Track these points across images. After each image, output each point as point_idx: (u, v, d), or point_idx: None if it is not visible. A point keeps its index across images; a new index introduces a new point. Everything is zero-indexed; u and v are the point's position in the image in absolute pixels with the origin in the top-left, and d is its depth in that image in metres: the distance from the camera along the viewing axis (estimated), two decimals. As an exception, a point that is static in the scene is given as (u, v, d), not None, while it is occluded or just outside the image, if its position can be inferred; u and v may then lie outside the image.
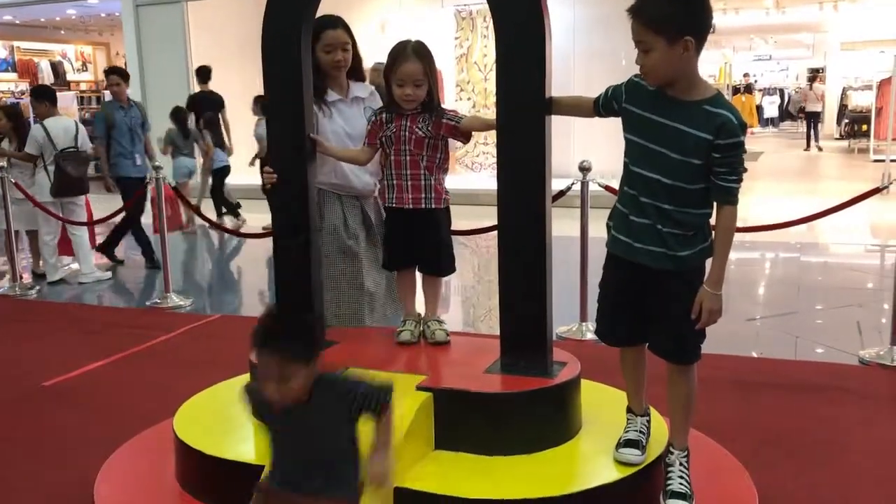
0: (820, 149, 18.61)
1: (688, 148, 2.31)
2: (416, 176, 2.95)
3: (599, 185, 5.20)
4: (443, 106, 3.00)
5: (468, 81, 12.50)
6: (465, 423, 2.61)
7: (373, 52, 13.29)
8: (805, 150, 18.94)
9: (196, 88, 10.59)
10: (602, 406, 2.90)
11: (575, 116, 2.71)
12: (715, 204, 2.40)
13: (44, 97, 7.04)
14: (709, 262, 2.43)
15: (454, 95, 12.50)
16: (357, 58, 3.48)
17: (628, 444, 2.57)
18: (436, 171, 2.97)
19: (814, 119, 19.23)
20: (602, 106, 2.54)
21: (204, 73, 10.30)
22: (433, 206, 2.98)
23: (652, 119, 2.36)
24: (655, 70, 2.30)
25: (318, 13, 3.08)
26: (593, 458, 2.64)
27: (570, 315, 5.23)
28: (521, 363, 2.73)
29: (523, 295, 2.73)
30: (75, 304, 6.39)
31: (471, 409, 2.61)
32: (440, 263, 3.10)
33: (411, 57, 2.87)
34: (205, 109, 9.84)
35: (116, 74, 7.46)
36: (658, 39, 2.23)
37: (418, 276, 3.19)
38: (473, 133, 3.11)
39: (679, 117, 2.32)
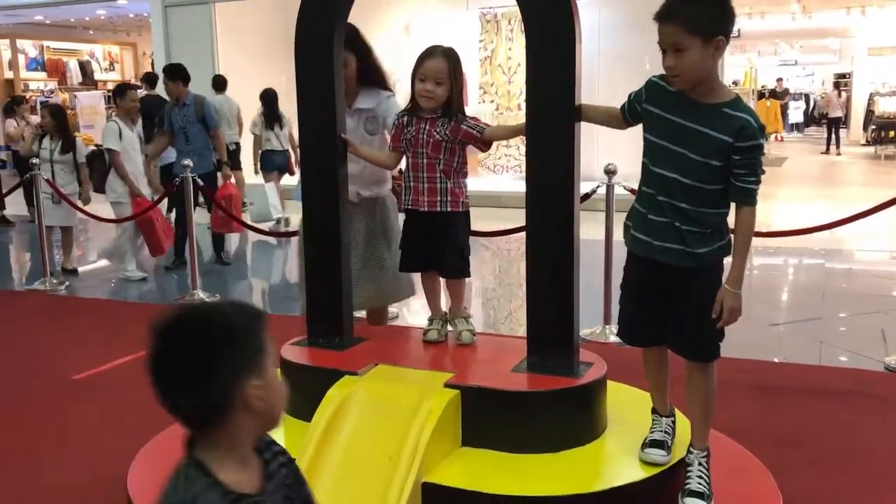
0: (839, 153, 18.64)
1: (708, 149, 2.36)
2: (433, 179, 2.96)
3: (625, 188, 5.20)
4: (465, 113, 3.03)
5: (492, 84, 12.54)
6: (491, 420, 2.65)
7: (397, 55, 13.45)
8: (824, 152, 19.05)
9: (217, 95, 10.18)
10: (627, 406, 2.93)
11: (607, 126, 2.74)
12: (734, 205, 2.43)
13: (177, 76, 7.17)
14: (727, 262, 2.47)
15: (477, 98, 12.54)
16: (372, 65, 3.52)
17: (654, 444, 2.59)
18: (453, 175, 2.98)
19: (835, 125, 19.37)
20: (628, 112, 2.60)
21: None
22: (449, 209, 2.98)
23: (672, 120, 2.41)
24: (688, 71, 2.34)
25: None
26: (618, 458, 2.67)
27: (594, 318, 5.25)
28: (547, 363, 2.76)
29: (550, 295, 2.76)
30: (105, 299, 6.50)
31: (498, 407, 2.64)
32: (459, 266, 3.09)
33: (438, 55, 2.92)
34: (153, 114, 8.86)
35: (168, 75, 7.37)
36: (694, 40, 2.28)
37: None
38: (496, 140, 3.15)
39: (700, 119, 2.37)
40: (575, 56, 2.65)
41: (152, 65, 13.19)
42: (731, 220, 2.47)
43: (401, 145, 3.04)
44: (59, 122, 7.28)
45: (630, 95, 2.58)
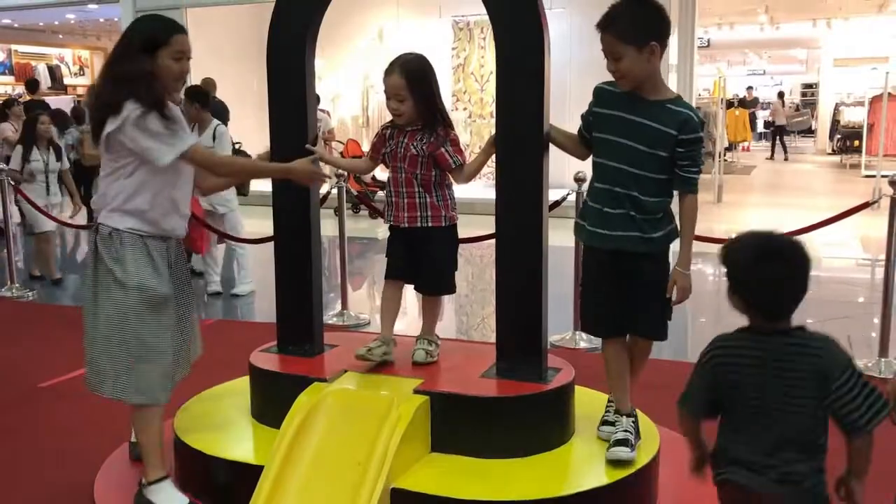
0: (786, 159, 20.17)
1: (655, 141, 2.57)
2: (412, 194, 2.91)
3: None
4: (450, 123, 2.96)
5: (465, 91, 12.58)
6: (461, 426, 2.67)
7: (370, 61, 13.35)
8: (768, 158, 20.48)
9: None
10: (595, 412, 2.95)
11: (567, 152, 2.86)
12: (678, 193, 2.64)
13: (195, 99, 5.98)
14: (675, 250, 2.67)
15: (451, 105, 12.57)
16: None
17: (618, 443, 2.63)
18: (434, 189, 2.93)
19: (780, 132, 21.06)
20: (584, 128, 2.76)
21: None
22: (430, 224, 2.92)
23: (623, 116, 2.60)
24: (628, 74, 2.55)
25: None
26: (586, 462, 2.70)
27: (564, 324, 5.28)
28: (515, 368, 2.78)
29: (519, 302, 2.78)
30: (72, 306, 6.42)
31: (466, 413, 2.66)
32: (436, 283, 3.03)
33: (395, 70, 2.84)
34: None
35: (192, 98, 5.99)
36: (628, 48, 2.51)
37: (412, 296, 3.17)
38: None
39: (647, 114, 2.57)
40: (544, 66, 2.69)
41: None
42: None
43: (378, 157, 3.03)
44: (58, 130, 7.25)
45: (582, 116, 2.77)
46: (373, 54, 12.94)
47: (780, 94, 23.80)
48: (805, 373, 1.76)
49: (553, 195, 5.22)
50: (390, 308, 3.04)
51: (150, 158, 2.61)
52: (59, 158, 7.15)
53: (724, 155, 15.95)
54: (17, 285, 6.79)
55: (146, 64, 2.64)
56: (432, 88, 2.90)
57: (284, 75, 3.03)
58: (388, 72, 2.86)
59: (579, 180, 5.12)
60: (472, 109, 12.56)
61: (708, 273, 7.73)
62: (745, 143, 21.42)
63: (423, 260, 2.96)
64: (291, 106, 3.03)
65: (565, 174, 5.46)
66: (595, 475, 2.59)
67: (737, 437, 1.86)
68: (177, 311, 2.79)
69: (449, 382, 2.79)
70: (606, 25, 2.55)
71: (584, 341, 5.11)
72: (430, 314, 3.08)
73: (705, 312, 6.24)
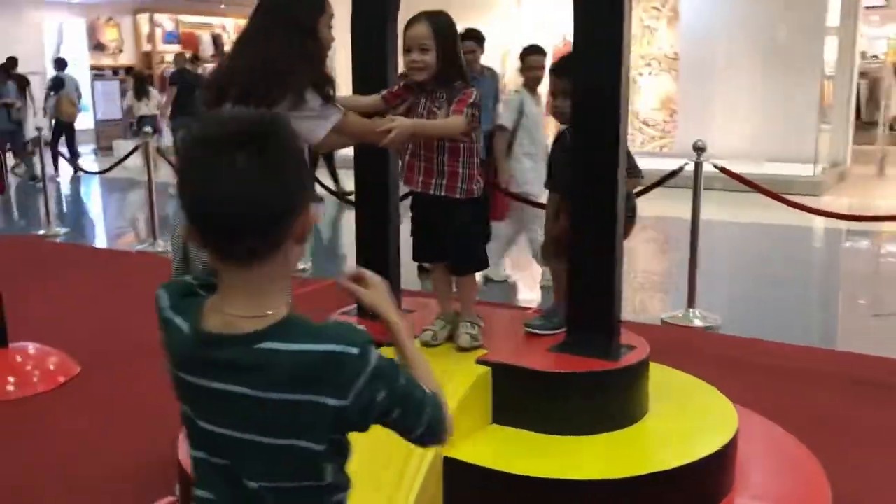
0: None
1: None
2: (430, 158, 2.68)
3: (715, 166, 4.98)
4: (469, 88, 2.68)
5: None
6: (521, 399, 2.60)
7: (508, 28, 13.15)
8: None
9: None
10: (677, 392, 2.82)
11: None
12: None
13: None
14: None
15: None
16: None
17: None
18: (462, 155, 2.67)
19: None
20: None
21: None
22: (442, 193, 2.68)
23: None
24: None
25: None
26: (655, 444, 2.58)
27: (678, 300, 5.07)
28: (585, 344, 2.67)
29: (591, 276, 2.67)
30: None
31: (527, 387, 2.59)
32: (456, 259, 2.82)
33: (420, 20, 2.63)
34: None
35: (473, 40, 5.43)
36: None
37: None
38: None
39: None
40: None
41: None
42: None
43: (395, 103, 2.81)
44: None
45: None
46: (511, 20, 12.75)
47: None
48: None
49: (674, 164, 5.03)
50: (440, 287, 2.92)
51: (309, 136, 2.44)
52: None
53: (893, 125, 14.71)
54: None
55: (310, 46, 2.47)
56: (457, 45, 2.70)
57: (367, 60, 3.01)
58: (412, 22, 2.65)
59: (698, 149, 4.86)
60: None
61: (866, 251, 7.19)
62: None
63: (444, 233, 2.76)
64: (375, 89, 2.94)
65: (688, 142, 5.20)
66: (658, 458, 2.46)
67: None
68: None
69: (514, 354, 2.72)
70: None
71: (699, 319, 4.87)
72: (463, 294, 2.86)
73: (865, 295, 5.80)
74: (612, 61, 2.54)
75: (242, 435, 1.14)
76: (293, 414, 1.12)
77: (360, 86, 3.04)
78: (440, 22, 2.65)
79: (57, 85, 13.15)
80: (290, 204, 1.11)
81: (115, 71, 18.95)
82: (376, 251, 3.09)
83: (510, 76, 11.06)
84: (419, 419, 1.24)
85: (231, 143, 1.08)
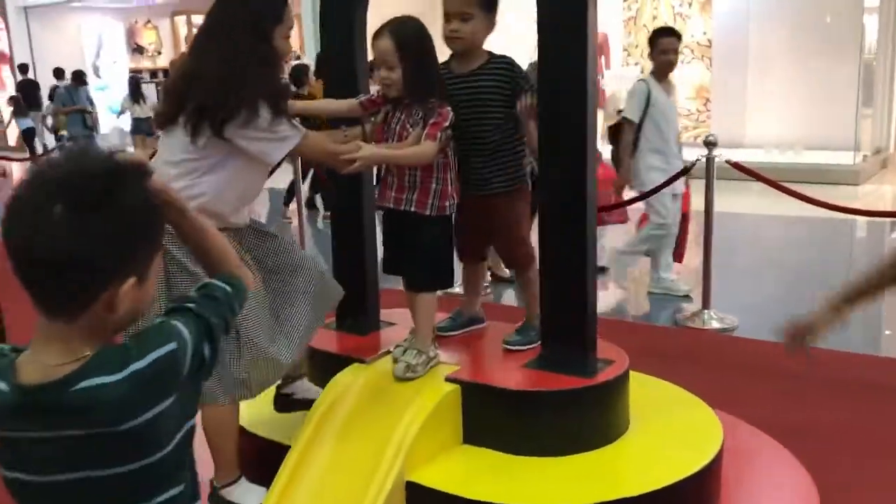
0: None
1: None
2: (402, 174, 2.56)
3: (728, 162, 4.78)
4: (444, 105, 2.50)
5: (636, 45, 11.95)
6: (493, 418, 2.50)
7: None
8: None
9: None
10: (660, 407, 2.70)
11: None
12: None
13: None
14: None
15: (621, 59, 12.03)
16: None
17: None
18: (436, 171, 2.54)
19: None
20: None
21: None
22: (412, 208, 2.55)
23: None
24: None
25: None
26: (632, 464, 2.46)
27: (693, 299, 4.90)
28: (559, 360, 2.55)
29: (563, 288, 2.54)
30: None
31: (497, 405, 2.49)
32: (414, 278, 2.66)
33: (383, 33, 2.48)
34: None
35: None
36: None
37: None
38: None
39: None
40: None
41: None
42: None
43: (373, 110, 2.67)
44: None
45: None
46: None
47: None
48: None
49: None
50: (410, 306, 2.73)
51: (263, 158, 2.39)
52: None
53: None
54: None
55: (264, 51, 2.36)
56: (427, 56, 2.53)
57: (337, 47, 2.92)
58: (376, 36, 2.50)
59: (710, 144, 4.66)
60: (643, 64, 11.90)
61: None
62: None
63: (407, 247, 2.64)
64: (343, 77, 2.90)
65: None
66: (629, 483, 2.34)
67: None
68: (267, 297, 2.52)
69: (485, 371, 2.63)
70: None
71: (716, 321, 4.68)
72: (417, 316, 2.65)
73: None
74: (577, 73, 2.41)
75: (77, 475, 1.10)
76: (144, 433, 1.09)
77: (328, 81, 2.95)
78: (403, 34, 2.49)
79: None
80: (96, 265, 1.04)
81: (154, 73, 19.22)
82: (353, 267, 3.02)
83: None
84: (228, 322, 1.26)
85: (52, 193, 1.03)
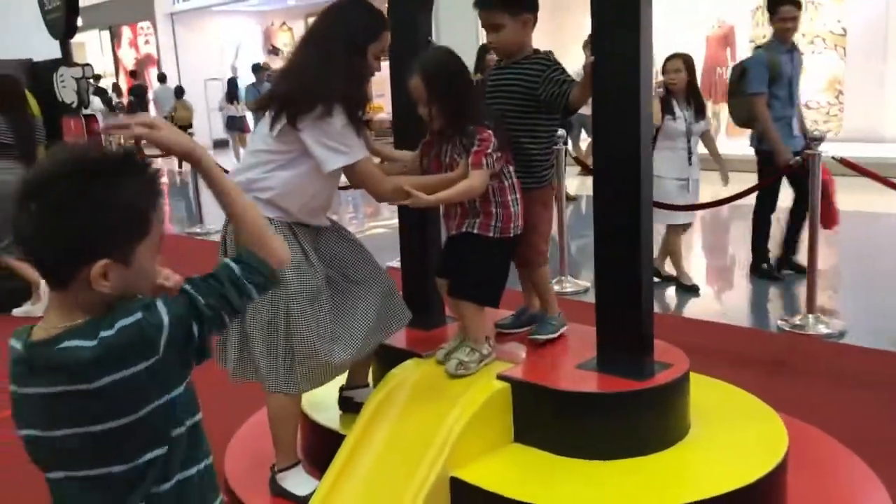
0: None
1: None
2: (462, 204, 2.57)
3: (834, 158, 4.50)
4: (483, 130, 2.48)
5: (764, 36, 11.40)
6: (543, 418, 2.47)
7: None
8: None
9: None
10: (724, 412, 2.60)
11: None
12: None
13: None
14: None
15: (748, 51, 11.50)
16: None
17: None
18: (493, 195, 2.53)
19: None
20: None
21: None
22: (475, 230, 2.56)
23: None
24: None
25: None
26: (686, 471, 2.37)
27: (797, 302, 4.65)
28: (615, 362, 2.49)
29: (619, 290, 2.48)
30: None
31: (546, 405, 2.46)
32: (457, 283, 2.65)
33: (415, 71, 2.51)
34: None
35: (793, 4, 5.05)
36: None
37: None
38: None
39: None
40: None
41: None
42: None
43: (426, 154, 2.69)
44: None
45: None
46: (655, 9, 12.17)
47: None
48: None
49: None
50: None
51: (320, 162, 2.45)
52: None
53: None
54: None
55: (354, 62, 2.47)
56: (456, 84, 2.52)
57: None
58: (412, 71, 2.54)
59: (815, 140, 4.41)
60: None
61: None
62: None
63: (458, 256, 2.64)
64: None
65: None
66: (684, 488, 2.26)
67: None
68: (332, 299, 2.60)
69: (538, 370, 2.59)
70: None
71: (824, 326, 4.43)
72: (463, 319, 2.68)
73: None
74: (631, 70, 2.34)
75: (66, 431, 1.23)
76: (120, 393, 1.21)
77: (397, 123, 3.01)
78: (428, 68, 2.51)
79: (177, 93, 15.55)
80: (60, 250, 1.22)
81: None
82: (418, 260, 3.06)
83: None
84: (232, 302, 1.32)
85: (36, 188, 1.22)
